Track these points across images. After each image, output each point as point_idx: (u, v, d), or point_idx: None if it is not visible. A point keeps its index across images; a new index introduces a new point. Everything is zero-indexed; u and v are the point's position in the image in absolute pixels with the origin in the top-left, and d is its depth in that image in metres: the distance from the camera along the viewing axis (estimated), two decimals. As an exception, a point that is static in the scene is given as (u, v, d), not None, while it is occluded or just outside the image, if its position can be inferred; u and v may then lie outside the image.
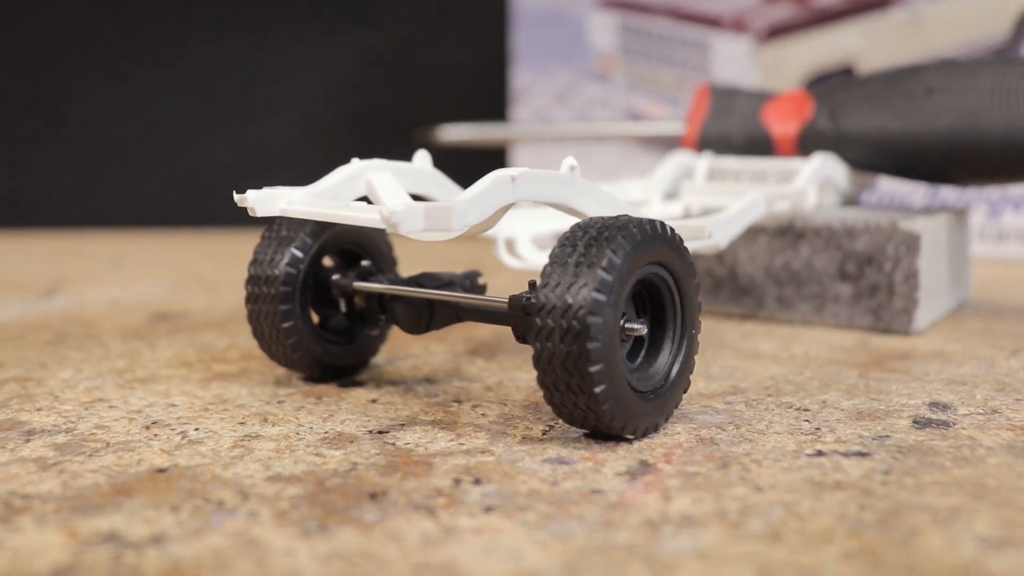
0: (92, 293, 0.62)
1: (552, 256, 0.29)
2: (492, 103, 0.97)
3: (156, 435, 0.32)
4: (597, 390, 0.28)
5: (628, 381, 0.29)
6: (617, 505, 0.25)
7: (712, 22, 0.77)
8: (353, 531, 0.24)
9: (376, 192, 0.35)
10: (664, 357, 0.32)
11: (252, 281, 0.36)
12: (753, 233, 0.48)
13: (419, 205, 0.29)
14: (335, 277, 0.37)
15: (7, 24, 1.04)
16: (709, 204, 0.47)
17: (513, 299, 0.31)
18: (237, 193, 0.32)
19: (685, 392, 0.32)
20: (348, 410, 0.34)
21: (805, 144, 0.51)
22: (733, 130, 0.52)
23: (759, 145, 0.52)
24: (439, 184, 0.38)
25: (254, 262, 0.36)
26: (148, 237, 1.01)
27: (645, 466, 0.28)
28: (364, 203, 0.31)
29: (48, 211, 1.05)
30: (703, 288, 0.51)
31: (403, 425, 0.32)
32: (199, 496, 0.26)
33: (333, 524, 0.24)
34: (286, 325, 0.36)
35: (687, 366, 0.32)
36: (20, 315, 0.54)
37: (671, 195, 0.50)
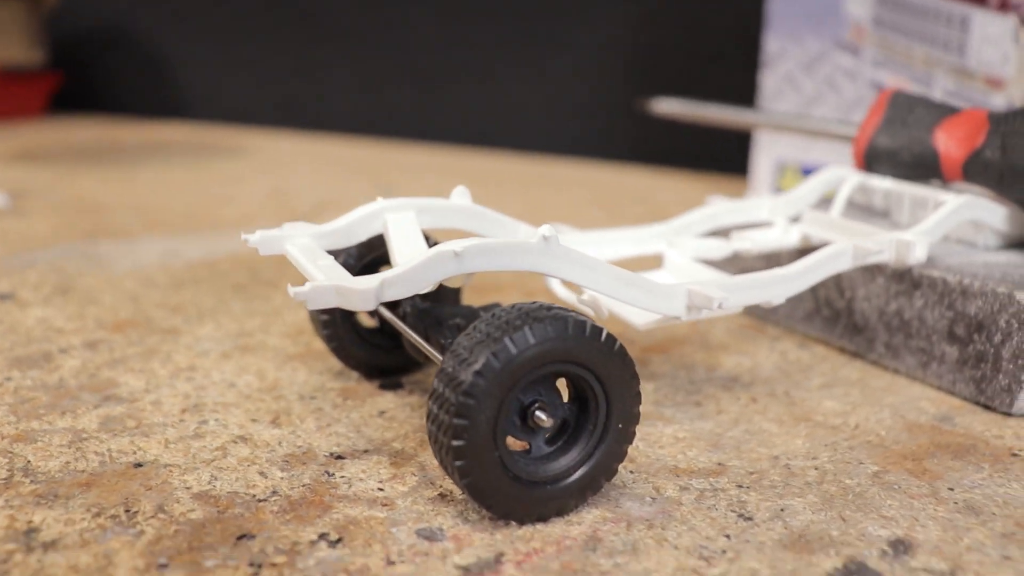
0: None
1: (464, 333, 0.31)
2: (744, 65, 0.97)
3: (181, 421, 0.38)
4: (458, 463, 0.29)
5: (506, 466, 0.30)
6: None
7: (976, -1, 0.66)
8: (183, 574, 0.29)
9: (389, 234, 0.37)
10: (575, 453, 0.32)
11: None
12: (872, 272, 0.44)
13: (331, 286, 0.31)
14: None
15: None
16: (825, 237, 0.44)
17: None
18: (245, 234, 0.37)
19: (608, 480, 0.33)
20: (348, 422, 0.38)
21: (970, 172, 0.44)
22: (902, 145, 0.46)
23: (927, 165, 0.45)
24: (476, 218, 0.39)
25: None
26: (440, 154, 1.10)
27: (494, 564, 0.29)
28: (333, 266, 0.34)
29: (376, 121, 1.23)
30: (822, 316, 0.48)
31: (365, 451, 0.36)
32: (126, 503, 0.32)
33: (177, 563, 0.29)
34: (326, 332, 0.40)
35: (600, 464, 0.32)
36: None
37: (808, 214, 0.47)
